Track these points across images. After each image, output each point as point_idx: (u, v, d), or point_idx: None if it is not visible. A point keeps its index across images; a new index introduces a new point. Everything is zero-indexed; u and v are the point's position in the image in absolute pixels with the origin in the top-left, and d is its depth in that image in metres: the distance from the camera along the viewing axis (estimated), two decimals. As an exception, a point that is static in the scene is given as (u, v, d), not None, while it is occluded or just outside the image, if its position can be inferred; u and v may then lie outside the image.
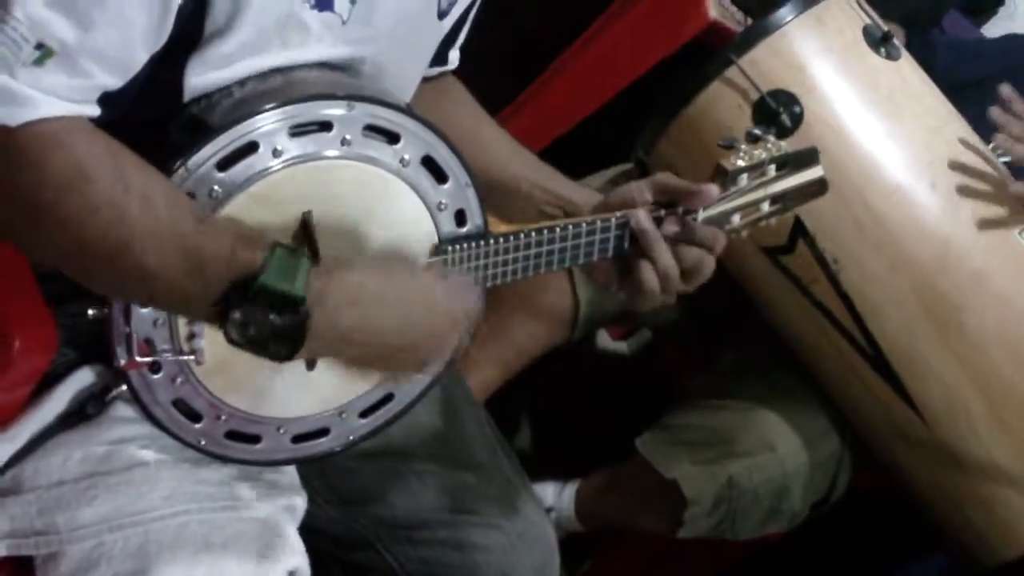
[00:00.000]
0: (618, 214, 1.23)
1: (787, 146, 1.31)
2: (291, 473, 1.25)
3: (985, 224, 1.75)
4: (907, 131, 1.76)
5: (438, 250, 1.16)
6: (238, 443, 1.17)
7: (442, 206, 1.15)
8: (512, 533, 1.40)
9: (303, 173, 1.06)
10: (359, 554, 1.39)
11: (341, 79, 1.12)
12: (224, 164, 1.03)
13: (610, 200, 1.27)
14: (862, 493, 1.99)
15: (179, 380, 1.10)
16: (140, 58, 0.98)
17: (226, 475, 1.17)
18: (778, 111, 1.68)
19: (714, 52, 1.75)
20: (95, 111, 0.98)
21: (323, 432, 1.21)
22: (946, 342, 1.74)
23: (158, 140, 1.03)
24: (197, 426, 1.14)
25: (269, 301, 0.96)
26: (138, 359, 1.06)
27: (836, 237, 1.73)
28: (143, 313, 1.06)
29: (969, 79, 1.94)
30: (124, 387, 1.10)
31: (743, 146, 1.28)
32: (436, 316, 1.07)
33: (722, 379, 2.00)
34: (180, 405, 1.12)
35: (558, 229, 1.20)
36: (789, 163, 1.32)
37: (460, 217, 1.17)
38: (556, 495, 2.06)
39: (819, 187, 1.37)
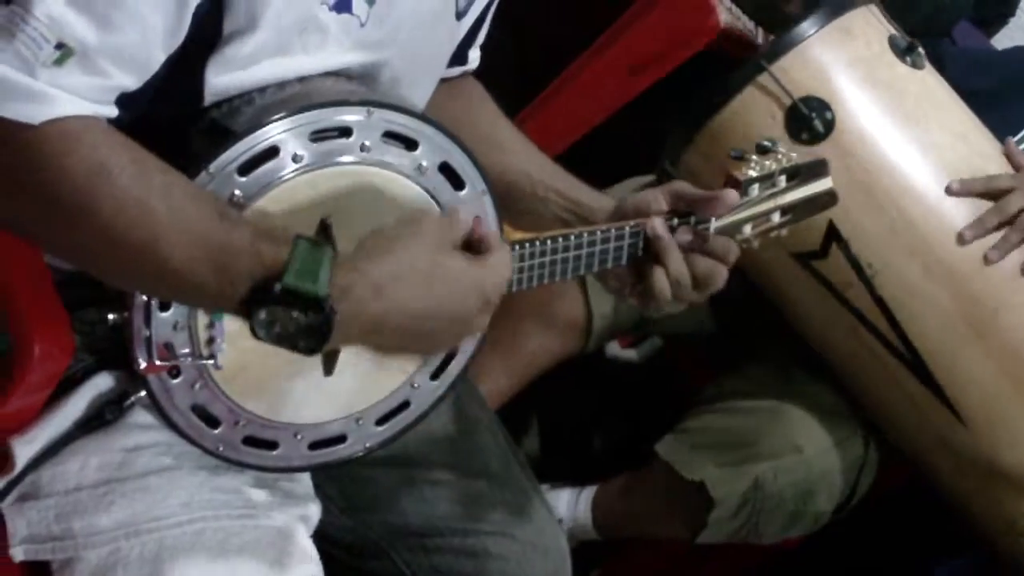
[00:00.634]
0: (632, 222, 1.22)
1: (797, 157, 1.31)
2: (306, 482, 1.24)
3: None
4: (935, 138, 1.75)
5: None
6: (255, 449, 1.16)
7: (451, 213, 1.14)
8: (525, 542, 1.39)
9: (322, 179, 1.06)
10: (372, 562, 1.38)
11: (358, 87, 1.11)
12: (245, 168, 1.02)
13: (626, 208, 1.26)
14: (880, 496, 1.98)
15: (198, 385, 1.10)
16: (158, 58, 0.98)
17: (242, 483, 1.16)
18: (811, 117, 1.67)
19: (741, 61, 1.74)
20: (113, 112, 0.97)
21: (340, 439, 1.21)
22: (984, 345, 1.73)
23: (179, 144, 1.03)
24: (215, 432, 1.13)
25: (293, 301, 0.96)
26: (158, 363, 1.06)
27: (870, 242, 1.72)
28: (163, 317, 1.05)
29: (978, 90, 1.93)
30: (143, 392, 1.09)
31: (754, 157, 1.28)
32: (463, 293, 1.06)
33: (742, 382, 1.97)
34: (199, 410, 1.11)
35: (572, 237, 1.19)
36: (800, 174, 1.32)
37: None
38: (571, 502, 2.03)
39: (829, 199, 1.36)
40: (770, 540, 1.91)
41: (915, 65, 1.77)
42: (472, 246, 1.10)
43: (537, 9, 1.39)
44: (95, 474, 1.10)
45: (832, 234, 1.72)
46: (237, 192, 1.02)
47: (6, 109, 0.91)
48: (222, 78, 1.04)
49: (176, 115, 1.04)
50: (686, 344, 2.23)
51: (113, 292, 1.05)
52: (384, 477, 1.36)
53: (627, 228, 1.22)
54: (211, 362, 1.08)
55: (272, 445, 1.17)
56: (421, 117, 1.10)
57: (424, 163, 1.11)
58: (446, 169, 1.13)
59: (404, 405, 1.23)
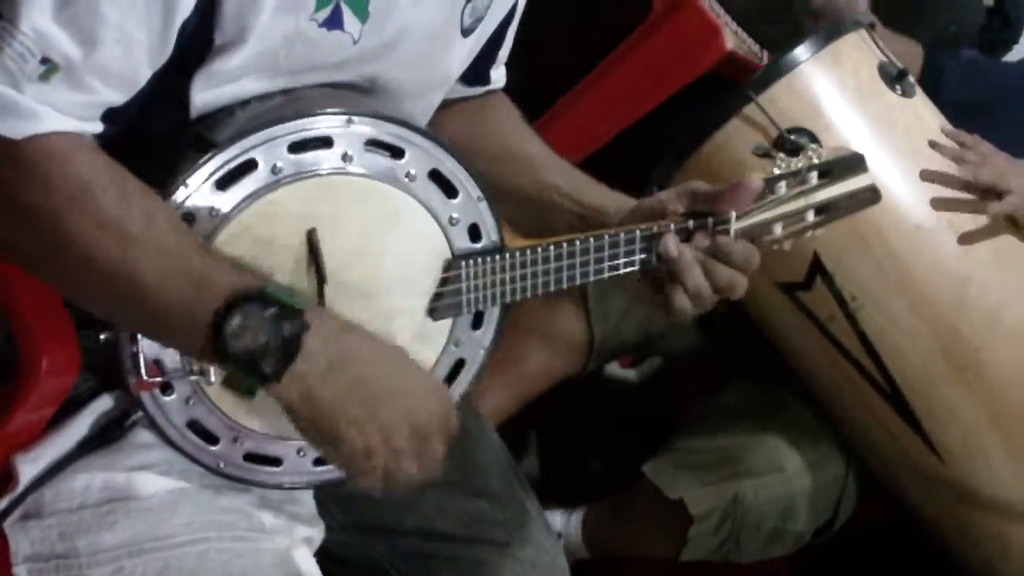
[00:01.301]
0: (643, 226, 1.18)
1: (829, 153, 1.26)
2: (310, 505, 1.22)
3: (1002, 261, 1.73)
4: (924, 169, 1.73)
5: (451, 265, 1.12)
6: (259, 465, 1.14)
7: (454, 220, 1.11)
8: (526, 562, 1.37)
9: (305, 190, 1.03)
10: (374, 580, 1.37)
11: (343, 94, 1.09)
12: (223, 183, 1.01)
13: (639, 210, 1.22)
14: (870, 523, 1.97)
15: (192, 401, 1.08)
16: (144, 74, 0.96)
17: (247, 504, 1.14)
18: (798, 148, 1.67)
19: (729, 89, 1.73)
20: (98, 128, 0.96)
21: None
22: (965, 383, 1.71)
23: (165, 156, 1.01)
24: (214, 448, 1.11)
25: (271, 305, 0.95)
26: (146, 379, 1.04)
27: (855, 276, 1.71)
28: None
29: (974, 100, 1.93)
30: (142, 413, 1.07)
31: (780, 154, 1.23)
32: (423, 394, 1.06)
33: (729, 402, 1.98)
34: (195, 427, 1.09)
35: (578, 243, 1.16)
36: (833, 171, 1.26)
37: (474, 232, 1.13)
38: (564, 521, 2.03)
39: (870, 196, 1.29)
40: (751, 558, 1.91)
41: (905, 93, 1.76)
42: None
43: (542, 30, 1.38)
44: (99, 493, 1.08)
45: (817, 266, 1.71)
46: (216, 207, 1.00)
47: None
48: (208, 92, 1.02)
49: (163, 128, 1.03)
50: (686, 364, 2.22)
51: None
52: (387, 496, 1.34)
53: (637, 232, 1.17)
54: (202, 377, 1.06)
55: (275, 461, 1.14)
56: (406, 124, 1.08)
57: (412, 170, 1.08)
58: (437, 176, 1.10)
59: None
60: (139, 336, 1.03)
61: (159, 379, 1.05)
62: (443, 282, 1.13)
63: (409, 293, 1.11)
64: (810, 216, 1.26)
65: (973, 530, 1.81)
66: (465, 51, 1.22)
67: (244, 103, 1.04)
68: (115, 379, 1.07)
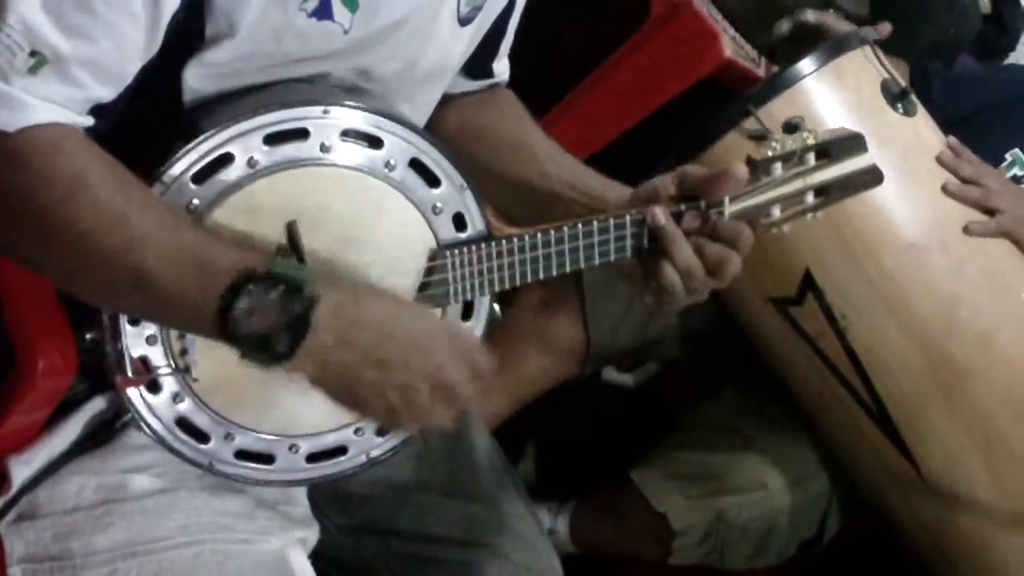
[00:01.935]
0: (634, 211, 1.15)
1: (826, 133, 1.22)
2: (304, 506, 1.21)
3: (994, 284, 1.71)
4: (921, 190, 1.71)
5: (436, 255, 1.10)
6: (251, 463, 1.12)
7: (437, 209, 1.09)
8: (520, 565, 1.36)
9: (282, 182, 1.02)
10: (368, 582, 1.35)
11: (323, 87, 1.07)
12: (199, 177, 0.99)
13: (634, 196, 1.20)
14: (863, 533, 1.97)
15: (179, 398, 1.06)
16: (132, 69, 0.95)
17: (242, 506, 1.13)
18: (793, 128, 1.62)
19: (729, 102, 1.70)
20: (88, 121, 0.95)
21: (341, 451, 1.16)
22: (951, 405, 1.69)
23: (156, 143, 1.00)
24: (205, 447, 1.09)
25: (277, 284, 0.93)
26: (131, 376, 1.02)
27: (846, 293, 1.68)
28: (133, 331, 1.02)
29: (965, 113, 1.92)
30: (131, 413, 1.06)
31: (776, 135, 1.20)
32: (437, 351, 1.02)
33: (719, 413, 1.98)
34: (184, 425, 1.07)
35: (566, 229, 1.12)
36: (831, 151, 1.21)
37: (459, 221, 1.11)
38: (552, 517, 2.03)
39: (871, 176, 1.25)
40: (737, 567, 1.92)
41: (907, 112, 1.73)
42: None
43: (540, 34, 1.37)
44: (93, 495, 1.07)
45: (808, 282, 1.69)
46: (195, 201, 0.99)
47: None
48: (201, 82, 1.01)
49: (155, 116, 1.02)
50: (681, 371, 2.22)
51: (87, 309, 1.02)
52: (381, 498, 1.33)
53: (627, 217, 1.14)
54: (187, 373, 1.04)
55: (268, 459, 1.13)
56: (384, 114, 1.06)
57: (392, 160, 1.06)
58: (417, 166, 1.08)
59: None
60: (123, 334, 1.02)
61: (144, 376, 1.04)
62: (429, 272, 1.11)
63: (394, 284, 1.09)
64: (809, 198, 1.23)
65: (953, 549, 1.79)
66: (464, 41, 1.19)
67: (235, 93, 1.03)
68: (105, 380, 1.05)
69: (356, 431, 1.16)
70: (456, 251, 1.11)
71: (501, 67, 1.33)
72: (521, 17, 1.30)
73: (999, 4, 2.26)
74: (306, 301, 0.95)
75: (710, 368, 2.08)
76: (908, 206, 1.71)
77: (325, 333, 0.96)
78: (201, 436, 1.09)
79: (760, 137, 1.20)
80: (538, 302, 1.92)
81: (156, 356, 1.04)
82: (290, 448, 1.13)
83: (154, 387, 1.05)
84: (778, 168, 1.19)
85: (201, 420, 1.08)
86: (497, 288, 1.14)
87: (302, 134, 1.02)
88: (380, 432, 1.17)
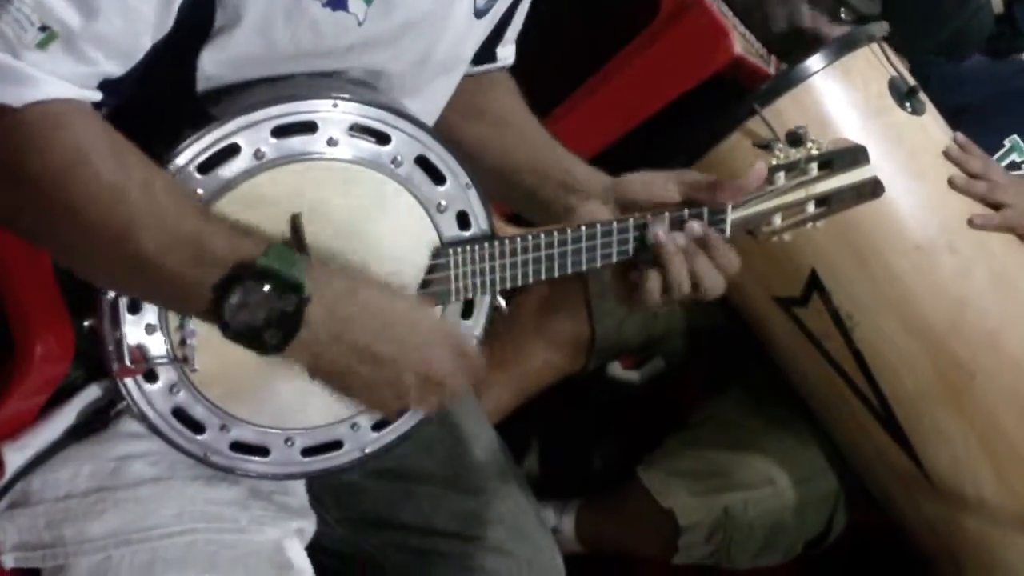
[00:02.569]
0: (636, 215, 1.15)
1: (830, 144, 1.22)
2: (301, 496, 1.19)
3: (1001, 285, 1.68)
4: (928, 189, 1.69)
5: (439, 252, 1.09)
6: (246, 455, 1.10)
7: (441, 207, 1.08)
8: (521, 559, 1.35)
9: (288, 175, 1.01)
10: (367, 574, 1.33)
11: (333, 81, 1.06)
12: (205, 167, 0.98)
13: (632, 191, 1.20)
14: (872, 529, 1.96)
15: (176, 389, 1.05)
16: (143, 46, 0.94)
17: (237, 495, 1.12)
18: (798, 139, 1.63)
19: (736, 93, 1.68)
20: (96, 96, 0.93)
21: (335, 445, 1.14)
22: (958, 407, 1.67)
23: (167, 129, 0.99)
24: (200, 438, 1.07)
25: (269, 281, 0.92)
26: (128, 364, 1.01)
27: (852, 294, 1.66)
28: (133, 319, 1.00)
29: (963, 105, 1.90)
30: (127, 401, 1.04)
31: (780, 145, 1.20)
32: (428, 347, 1.02)
33: (725, 410, 1.95)
34: (180, 415, 1.06)
35: (569, 231, 1.12)
36: (834, 162, 1.22)
37: (463, 220, 1.10)
38: (557, 515, 2.01)
39: (871, 188, 1.26)
40: (744, 566, 1.90)
41: (915, 111, 1.70)
42: None
43: (549, 30, 1.36)
44: (87, 482, 1.06)
45: (814, 282, 1.67)
46: (199, 191, 0.98)
47: None
48: (216, 69, 1.00)
49: (169, 102, 1.00)
50: (688, 368, 2.20)
51: (86, 296, 1.01)
52: (381, 490, 1.31)
53: (630, 221, 1.14)
54: (185, 363, 1.03)
55: (263, 451, 1.11)
56: (393, 110, 1.04)
57: (398, 156, 1.05)
58: (424, 163, 1.07)
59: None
60: (123, 322, 1.00)
61: (142, 365, 1.02)
62: (431, 269, 1.09)
63: (396, 281, 1.07)
64: (810, 207, 1.24)
65: (961, 551, 1.77)
66: (479, 33, 1.18)
67: (246, 85, 1.02)
68: (102, 368, 1.04)
69: (352, 426, 1.14)
70: (459, 249, 1.10)
71: (505, 52, 1.31)
72: (530, 13, 1.28)
73: (1012, 4, 2.24)
74: (299, 299, 0.94)
75: (717, 365, 2.06)
76: (915, 206, 1.68)
77: (317, 329, 0.96)
78: (197, 427, 1.07)
79: (766, 146, 1.21)
80: (543, 296, 1.92)
81: (155, 345, 1.02)
82: (285, 441, 1.12)
83: (151, 376, 1.04)
84: (781, 177, 1.19)
85: (197, 411, 1.07)
86: (498, 287, 1.13)
87: (310, 127, 1.01)
88: (376, 427, 1.16)
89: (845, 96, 1.68)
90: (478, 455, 1.40)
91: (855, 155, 1.25)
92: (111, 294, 1.00)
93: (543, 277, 1.13)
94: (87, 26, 0.90)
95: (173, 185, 0.95)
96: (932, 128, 1.74)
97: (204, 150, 0.98)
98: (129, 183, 0.91)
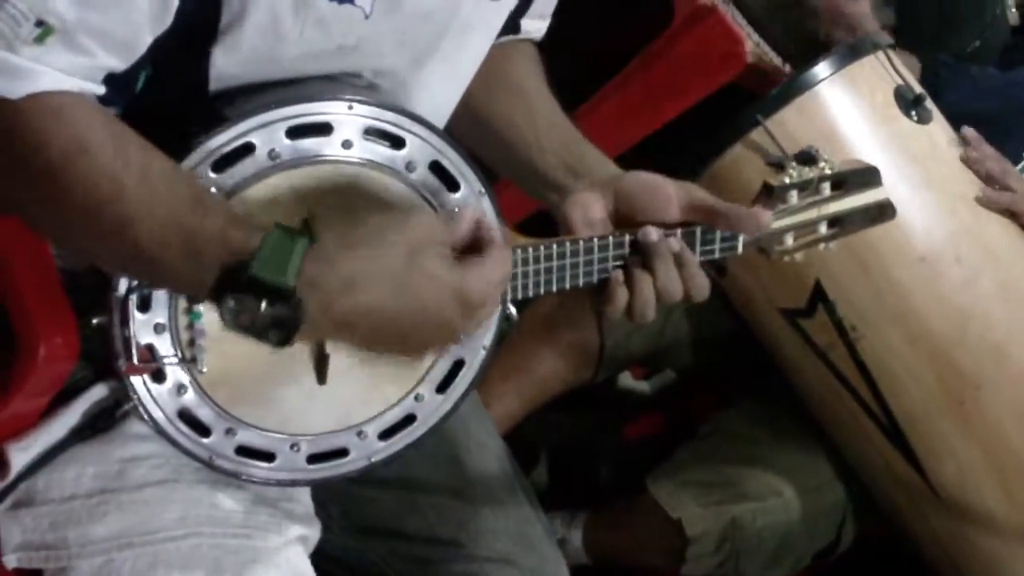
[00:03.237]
0: (639, 231, 1.12)
1: (842, 164, 1.21)
2: (306, 503, 1.18)
3: (1008, 295, 1.67)
4: (934, 199, 1.68)
5: None
6: (251, 460, 1.09)
7: (455, 215, 1.07)
8: (527, 570, 1.33)
9: (300, 176, 1.00)
10: (372, 583, 1.32)
11: (348, 83, 1.05)
12: (219, 166, 0.97)
13: (632, 194, 1.16)
14: (876, 542, 1.95)
15: (183, 390, 1.03)
16: (144, 40, 0.92)
17: (242, 501, 1.10)
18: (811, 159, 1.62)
19: (740, 110, 1.67)
20: (100, 89, 0.92)
21: (342, 452, 1.13)
22: (963, 419, 1.66)
23: (180, 129, 0.98)
24: (206, 441, 1.06)
25: (259, 291, 0.90)
26: (136, 363, 1.00)
27: (856, 305, 1.65)
28: (142, 318, 0.99)
29: (976, 114, 1.89)
30: (134, 401, 1.03)
31: (793, 164, 1.18)
32: (438, 297, 0.98)
33: (734, 421, 1.95)
34: (186, 417, 1.05)
35: (582, 242, 1.10)
36: (846, 183, 1.21)
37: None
38: (565, 526, 2.00)
39: (882, 211, 1.25)
40: None
41: (921, 119, 1.69)
42: (472, 247, 1.02)
43: (563, 36, 1.35)
44: (90, 483, 1.05)
45: (818, 294, 1.66)
46: (212, 190, 0.97)
47: None
48: (227, 68, 0.99)
49: (181, 103, 0.99)
50: (697, 379, 2.20)
51: (95, 293, 1.00)
52: (388, 499, 1.29)
53: (626, 238, 1.12)
54: (193, 364, 1.02)
55: (269, 457, 1.10)
56: (409, 114, 1.03)
57: (413, 161, 1.04)
58: (437, 168, 1.06)
59: (409, 419, 1.15)
60: (132, 320, 0.99)
61: (150, 364, 1.01)
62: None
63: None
64: (822, 228, 1.23)
65: (967, 564, 1.75)
66: (501, 15, 1.17)
67: (259, 86, 1.01)
68: (110, 367, 1.03)
69: (358, 434, 1.13)
70: None
71: (532, 26, 1.28)
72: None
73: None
74: (291, 306, 0.92)
75: (726, 376, 2.05)
76: (921, 216, 1.67)
77: (318, 325, 0.94)
78: (202, 429, 1.06)
79: (777, 164, 1.21)
80: (554, 306, 1.91)
81: (163, 345, 1.01)
82: (291, 447, 1.11)
83: (158, 376, 1.03)
84: (794, 196, 1.18)
85: (204, 413, 1.05)
86: (508, 298, 1.11)
87: (325, 129, 1.00)
88: (382, 436, 1.15)
89: (850, 105, 1.67)
90: (485, 465, 1.38)
91: (868, 176, 1.23)
92: (121, 291, 0.99)
93: (554, 288, 1.12)
94: (82, 18, 0.88)
95: (172, 172, 0.93)
96: (939, 137, 1.73)
97: (219, 148, 0.97)
98: (127, 174, 0.90)
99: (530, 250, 1.09)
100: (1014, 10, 2.12)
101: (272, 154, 0.98)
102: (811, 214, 1.21)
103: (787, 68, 1.94)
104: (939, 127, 1.73)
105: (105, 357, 1.02)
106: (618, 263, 1.13)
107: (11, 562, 1.05)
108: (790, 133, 1.61)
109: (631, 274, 1.12)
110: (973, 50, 1.95)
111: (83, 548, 1.04)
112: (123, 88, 0.94)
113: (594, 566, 2.01)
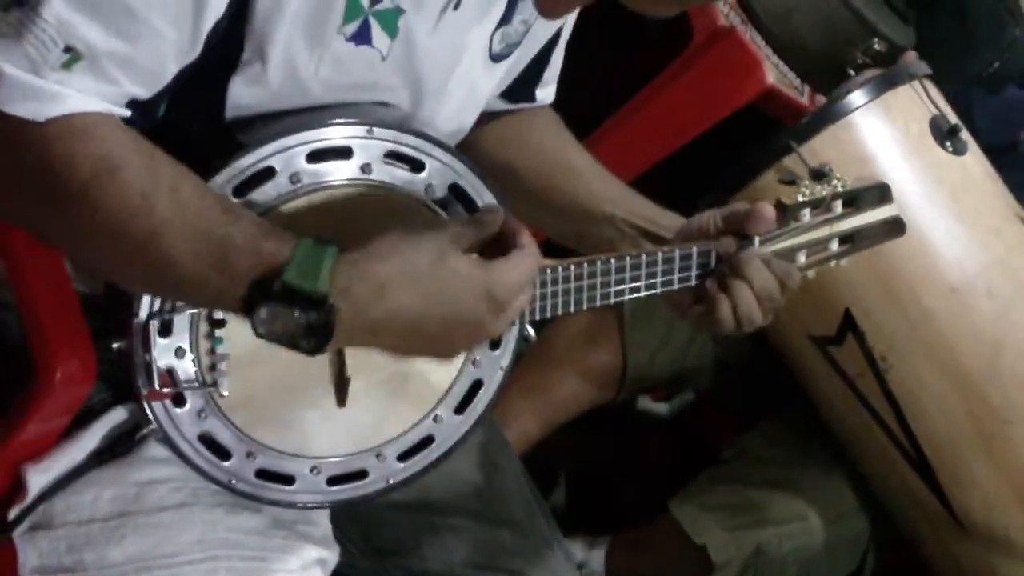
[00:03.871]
0: (664, 248, 1.14)
1: (854, 182, 1.21)
2: (324, 526, 1.17)
3: None
4: (967, 231, 1.66)
5: None
6: (271, 483, 1.08)
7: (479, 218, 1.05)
8: (545, 592, 1.32)
9: (323, 199, 1.00)
10: (389, 606, 1.31)
11: (366, 108, 1.05)
12: (240, 189, 0.97)
13: (689, 229, 1.19)
14: (898, 572, 1.93)
15: (204, 414, 1.03)
16: (170, 71, 0.92)
17: (259, 524, 1.09)
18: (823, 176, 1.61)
19: (771, 136, 1.65)
20: (124, 113, 0.92)
21: (361, 475, 1.12)
22: (990, 453, 1.64)
23: (196, 155, 0.97)
24: (226, 464, 1.05)
25: (293, 298, 0.90)
26: (158, 388, 1.00)
27: (886, 335, 1.63)
28: (164, 343, 0.99)
29: (1007, 143, 1.88)
30: (154, 425, 1.03)
31: (805, 181, 1.18)
32: (467, 297, 0.98)
33: (756, 445, 1.93)
34: (207, 441, 1.04)
35: (599, 263, 1.10)
36: (858, 200, 1.21)
37: None
38: (586, 550, 1.98)
39: (892, 228, 1.25)
40: None
41: (956, 151, 1.67)
42: (499, 246, 1.02)
43: (581, 58, 1.35)
44: (108, 506, 1.04)
45: (848, 322, 1.64)
46: None
47: (13, 107, 0.86)
48: (245, 99, 0.99)
49: (199, 129, 0.99)
50: (718, 402, 2.18)
51: (114, 317, 1.00)
52: (406, 521, 1.29)
53: (659, 254, 1.13)
54: (214, 389, 1.02)
55: (288, 480, 1.09)
56: (427, 137, 1.03)
57: (433, 184, 1.04)
58: (457, 191, 1.05)
59: (428, 441, 1.15)
60: (153, 345, 0.99)
61: (171, 389, 1.01)
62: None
63: None
64: (834, 245, 1.23)
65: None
66: (496, 77, 1.17)
67: (277, 114, 1.00)
68: (129, 390, 1.03)
69: (377, 456, 1.12)
70: None
71: (544, 93, 1.30)
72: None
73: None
74: (324, 313, 0.91)
75: (747, 399, 2.04)
76: (954, 248, 1.65)
77: (350, 332, 0.94)
78: (223, 453, 1.05)
79: (791, 182, 1.20)
80: (578, 326, 1.91)
81: (185, 369, 1.01)
82: (311, 470, 1.10)
83: (179, 400, 1.02)
84: (806, 214, 1.18)
85: (224, 437, 1.05)
86: (528, 319, 1.11)
87: (345, 153, 1.00)
88: (401, 458, 1.14)
89: (885, 135, 1.65)
90: (503, 486, 1.37)
91: (879, 193, 1.24)
92: (142, 316, 0.99)
93: (571, 309, 1.11)
94: (111, 48, 0.88)
95: (200, 186, 0.93)
96: (973, 168, 1.71)
97: (239, 173, 0.97)
98: (156, 188, 0.90)
99: (547, 272, 1.08)
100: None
101: (293, 178, 0.98)
102: (823, 231, 1.21)
103: (807, 90, 1.93)
104: (974, 159, 1.71)
105: (124, 381, 1.02)
106: (658, 279, 1.14)
107: (28, 584, 1.04)
108: (823, 161, 1.60)
109: (726, 284, 1.14)
110: (992, 72, 1.94)
111: (100, 571, 1.03)
112: (147, 115, 0.94)
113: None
